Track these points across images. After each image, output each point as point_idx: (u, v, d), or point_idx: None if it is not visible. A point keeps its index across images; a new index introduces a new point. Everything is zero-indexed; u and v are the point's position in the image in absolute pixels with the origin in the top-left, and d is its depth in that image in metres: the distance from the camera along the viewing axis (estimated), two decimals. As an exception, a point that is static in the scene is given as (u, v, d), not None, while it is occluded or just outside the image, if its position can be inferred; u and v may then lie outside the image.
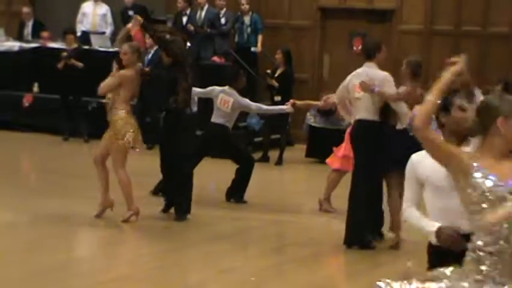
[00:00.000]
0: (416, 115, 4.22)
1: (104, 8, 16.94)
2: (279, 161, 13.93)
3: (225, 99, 10.77)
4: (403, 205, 4.72)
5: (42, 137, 15.22)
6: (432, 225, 4.46)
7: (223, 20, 16.00)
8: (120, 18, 16.65)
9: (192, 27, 15.79)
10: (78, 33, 16.27)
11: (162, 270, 7.93)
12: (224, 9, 16.04)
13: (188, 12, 16.08)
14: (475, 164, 4.01)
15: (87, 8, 16.94)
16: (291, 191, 12.04)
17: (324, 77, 16.61)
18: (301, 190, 12.51)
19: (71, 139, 14.75)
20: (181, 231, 9.29)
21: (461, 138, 4.59)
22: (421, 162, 4.56)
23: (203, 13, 15.93)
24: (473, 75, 15.28)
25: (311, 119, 14.38)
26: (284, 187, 11.60)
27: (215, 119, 10.83)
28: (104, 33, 16.37)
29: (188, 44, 15.98)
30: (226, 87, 10.86)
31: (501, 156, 4.06)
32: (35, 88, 16.28)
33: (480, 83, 15.13)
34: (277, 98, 13.55)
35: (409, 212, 4.66)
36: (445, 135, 4.65)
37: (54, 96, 15.44)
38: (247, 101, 10.94)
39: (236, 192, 10.82)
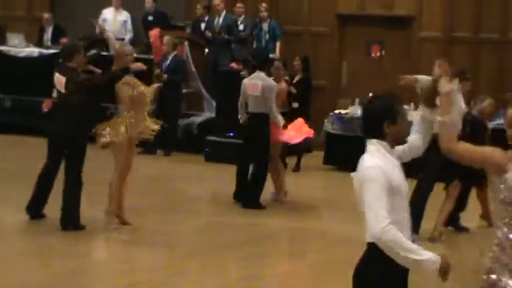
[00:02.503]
0: (440, 139, 4.37)
1: (124, 15, 16.98)
2: (297, 168, 13.90)
3: (253, 84, 10.78)
4: (381, 223, 4.11)
5: (60, 143, 15.25)
6: (433, 255, 4.13)
7: (241, 27, 16.00)
8: (142, 23, 16.72)
9: (209, 34, 15.82)
10: None
11: (179, 277, 7.93)
12: (243, 16, 16.05)
13: (206, 18, 16.11)
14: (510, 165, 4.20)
15: (108, 14, 16.99)
16: (309, 198, 12.01)
17: (342, 83, 16.58)
18: (319, 197, 12.49)
19: (90, 144, 14.74)
20: (199, 237, 9.29)
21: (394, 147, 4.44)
22: (391, 170, 4.30)
23: (221, 19, 15.95)
24: (492, 82, 15.33)
25: (328, 126, 14.35)
26: (302, 194, 11.57)
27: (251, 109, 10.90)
28: (123, 39, 16.42)
29: (206, 50, 16.03)
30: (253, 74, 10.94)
31: None
32: (54, 94, 16.32)
33: (498, 90, 15.17)
34: (295, 105, 13.52)
35: (395, 233, 4.11)
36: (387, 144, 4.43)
37: (74, 102, 15.49)
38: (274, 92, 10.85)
39: (250, 196, 10.80)
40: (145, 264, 8.42)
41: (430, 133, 4.56)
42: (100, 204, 9.27)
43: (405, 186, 4.39)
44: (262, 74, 10.80)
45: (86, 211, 9.52)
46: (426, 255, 4.12)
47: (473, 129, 9.27)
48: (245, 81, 10.85)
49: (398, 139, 4.43)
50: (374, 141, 4.37)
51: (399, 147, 4.49)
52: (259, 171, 10.78)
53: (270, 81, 10.81)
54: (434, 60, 10.45)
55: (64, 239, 8.85)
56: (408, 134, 4.53)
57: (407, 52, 15.92)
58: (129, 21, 16.92)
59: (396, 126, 4.35)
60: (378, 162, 4.29)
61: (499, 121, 13.56)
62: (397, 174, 4.33)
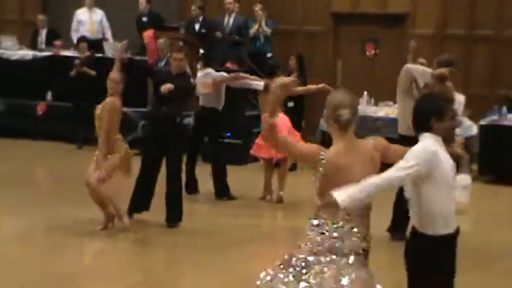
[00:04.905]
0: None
1: (99, 14, 16.76)
2: (293, 167, 13.89)
3: None
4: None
5: (56, 145, 15.25)
6: None
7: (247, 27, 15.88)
8: (136, 25, 16.62)
9: (220, 34, 15.70)
10: (74, 41, 16.31)
11: (178, 277, 7.91)
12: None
13: (201, 19, 16.05)
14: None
15: (82, 15, 16.78)
16: (306, 197, 11.98)
17: (337, 82, 16.57)
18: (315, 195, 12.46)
19: (85, 147, 14.75)
20: (197, 238, 9.28)
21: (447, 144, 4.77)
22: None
23: (231, 20, 15.85)
24: (487, 80, 15.33)
25: (324, 125, 14.32)
26: (298, 193, 11.55)
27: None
28: (104, 39, 16.39)
29: (201, 50, 15.96)
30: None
31: None
32: (49, 96, 16.31)
33: (493, 87, 15.17)
34: (290, 104, 13.50)
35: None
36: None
37: (68, 105, 15.48)
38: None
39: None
40: (143, 265, 8.40)
41: None
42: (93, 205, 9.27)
43: (451, 177, 4.69)
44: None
45: (88, 213, 9.52)
46: None
47: None
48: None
49: (444, 136, 4.71)
50: (426, 134, 4.69)
51: None
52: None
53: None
54: (428, 57, 10.50)
55: (60, 242, 8.83)
56: (453, 138, 4.99)
57: (402, 50, 15.90)
58: (105, 19, 16.69)
59: (443, 123, 4.68)
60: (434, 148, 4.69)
61: (493, 117, 13.64)
62: (446, 165, 4.64)
